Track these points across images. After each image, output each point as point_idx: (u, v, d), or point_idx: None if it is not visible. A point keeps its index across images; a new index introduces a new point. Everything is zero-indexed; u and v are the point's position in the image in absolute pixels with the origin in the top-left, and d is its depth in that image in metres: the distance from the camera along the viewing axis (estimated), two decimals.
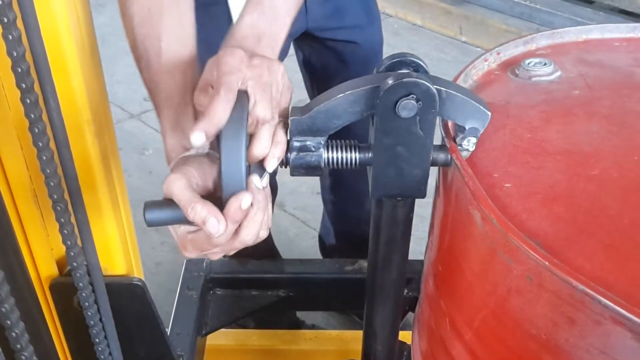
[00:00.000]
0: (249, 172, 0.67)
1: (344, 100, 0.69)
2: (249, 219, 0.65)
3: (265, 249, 1.76)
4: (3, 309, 0.68)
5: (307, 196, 2.37)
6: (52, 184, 0.75)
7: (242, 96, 0.67)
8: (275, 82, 0.70)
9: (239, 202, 0.63)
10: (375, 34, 1.45)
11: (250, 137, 0.68)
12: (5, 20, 0.60)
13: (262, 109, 0.67)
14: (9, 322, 0.70)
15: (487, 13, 3.49)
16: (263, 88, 0.68)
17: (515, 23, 3.40)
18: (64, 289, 0.95)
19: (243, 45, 0.73)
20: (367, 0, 1.41)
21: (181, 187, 0.65)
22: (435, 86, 0.66)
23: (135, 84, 3.02)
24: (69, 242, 0.82)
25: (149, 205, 0.67)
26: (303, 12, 1.30)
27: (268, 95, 0.68)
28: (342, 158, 0.72)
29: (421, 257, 0.91)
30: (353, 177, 1.60)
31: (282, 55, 1.33)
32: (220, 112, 0.64)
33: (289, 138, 0.71)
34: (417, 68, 0.73)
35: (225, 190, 0.65)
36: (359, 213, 1.67)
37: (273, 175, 1.64)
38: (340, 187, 1.70)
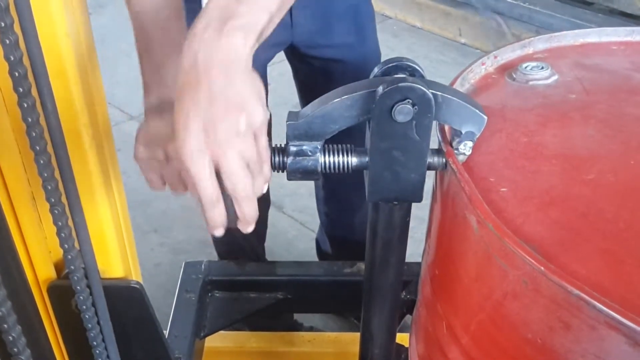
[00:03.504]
0: None
1: (340, 104, 0.69)
2: None
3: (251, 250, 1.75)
4: (0, 313, 0.69)
5: (306, 198, 2.37)
6: (49, 187, 0.75)
7: None
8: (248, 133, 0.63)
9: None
10: (367, 54, 1.39)
11: None
12: (2, 24, 0.61)
13: (241, 186, 0.64)
14: (5, 325, 0.70)
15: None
16: (237, 167, 0.63)
17: (515, 25, 3.40)
18: (61, 292, 0.95)
19: (205, 34, 0.63)
20: (359, 17, 1.37)
21: None
22: (431, 90, 0.66)
23: (134, 86, 3.00)
24: (66, 245, 0.82)
25: None
26: (288, 25, 1.27)
27: (243, 172, 0.64)
28: (338, 162, 0.72)
29: (420, 260, 0.91)
30: (346, 191, 1.60)
31: (262, 60, 1.31)
32: (210, 194, 0.64)
33: (285, 143, 0.72)
34: (413, 72, 0.74)
35: None
36: (352, 225, 1.67)
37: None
38: (333, 200, 1.70)
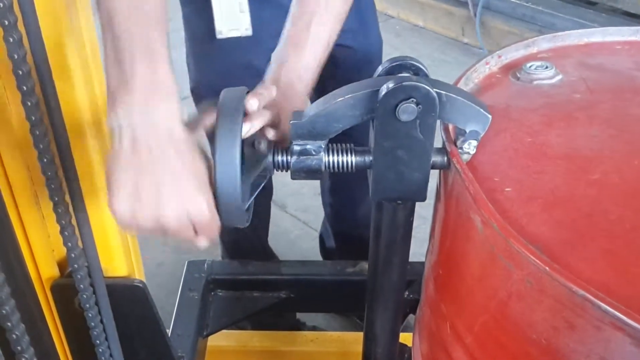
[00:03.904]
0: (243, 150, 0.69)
1: (343, 104, 0.69)
2: None
3: (260, 249, 1.75)
4: (4, 311, 0.69)
5: (309, 197, 2.37)
6: (52, 186, 0.75)
7: (238, 94, 0.68)
8: None
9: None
10: (371, 43, 1.46)
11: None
12: (6, 22, 0.61)
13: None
14: (9, 324, 0.70)
15: (489, 14, 3.48)
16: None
17: (517, 25, 3.39)
18: (65, 291, 0.95)
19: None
20: (361, 10, 1.39)
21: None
22: (435, 89, 0.66)
23: None
24: (70, 244, 0.82)
25: None
26: None
27: None
28: (342, 161, 0.72)
29: (423, 259, 0.91)
30: (352, 181, 1.60)
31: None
32: None
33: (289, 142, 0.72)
34: (417, 71, 0.73)
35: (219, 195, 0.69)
36: (356, 216, 1.67)
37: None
38: (338, 190, 1.70)
